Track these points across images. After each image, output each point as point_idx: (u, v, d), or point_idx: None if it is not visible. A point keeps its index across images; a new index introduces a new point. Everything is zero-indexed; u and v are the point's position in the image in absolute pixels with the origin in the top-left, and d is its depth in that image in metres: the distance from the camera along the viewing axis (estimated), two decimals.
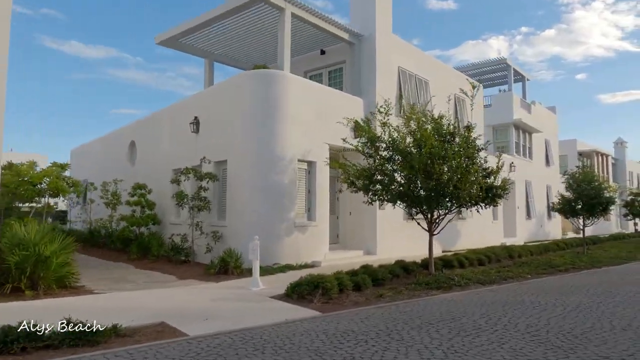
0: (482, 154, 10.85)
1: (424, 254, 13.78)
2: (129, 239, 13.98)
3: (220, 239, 11.61)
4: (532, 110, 27.92)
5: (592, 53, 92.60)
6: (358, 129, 10.02)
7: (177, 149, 14.19)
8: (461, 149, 10.00)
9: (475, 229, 19.94)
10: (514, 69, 27.11)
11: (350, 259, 12.50)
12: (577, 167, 19.22)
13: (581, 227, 19.14)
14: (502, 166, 11.19)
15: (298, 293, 7.64)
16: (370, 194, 10.36)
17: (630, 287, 9.89)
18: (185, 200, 11.89)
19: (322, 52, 15.77)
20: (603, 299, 8.38)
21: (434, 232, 10.86)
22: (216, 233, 11.62)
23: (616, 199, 18.58)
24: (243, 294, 8.21)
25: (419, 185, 9.88)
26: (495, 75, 28.80)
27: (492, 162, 11.50)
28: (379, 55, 14.61)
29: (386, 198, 10.28)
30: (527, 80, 28.94)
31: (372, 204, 10.73)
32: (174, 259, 11.95)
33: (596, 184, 18.53)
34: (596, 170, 35.10)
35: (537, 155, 27.96)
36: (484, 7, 78.50)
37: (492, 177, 10.72)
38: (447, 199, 9.89)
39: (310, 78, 16.14)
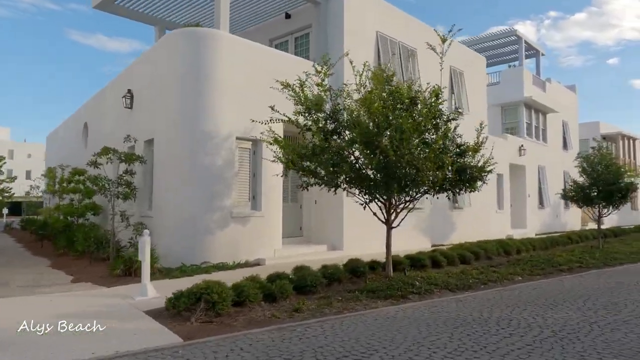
0: (458, 128, 8.66)
1: (407, 249, 11.71)
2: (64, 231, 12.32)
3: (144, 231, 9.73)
4: (547, 89, 25.13)
5: (624, 36, 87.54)
6: (295, 95, 7.93)
7: (115, 128, 12.38)
8: (422, 118, 7.83)
9: (475, 220, 17.63)
10: (526, 43, 24.37)
11: (308, 256, 10.48)
12: (592, 148, 16.67)
13: (598, 218, 16.62)
14: (483, 142, 8.97)
15: (177, 307, 5.70)
16: (307, 176, 8.27)
17: None
18: (103, 185, 10.04)
19: (287, 16, 13.65)
20: (601, 316, 6.19)
21: (393, 224, 8.73)
22: (139, 225, 9.77)
23: (639, 185, 16.05)
24: (118, 305, 6.33)
25: (366, 164, 7.76)
26: (506, 49, 26.09)
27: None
28: (348, 16, 12.41)
29: (324, 181, 8.20)
30: (542, 55, 26.12)
31: (307, 189, 8.63)
32: (96, 256, 10.17)
33: (614, 167, 15.98)
34: (622, 154, 32.03)
35: (553, 138, 25.20)
36: None
37: (469, 156, 8.49)
38: (402, 182, 7.74)
39: (276, 47, 14.05)
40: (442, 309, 6.65)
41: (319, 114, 7.94)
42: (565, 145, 26.61)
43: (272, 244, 10.55)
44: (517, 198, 22.24)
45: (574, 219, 27.87)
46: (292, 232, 12.16)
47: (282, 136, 8.75)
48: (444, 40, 8.68)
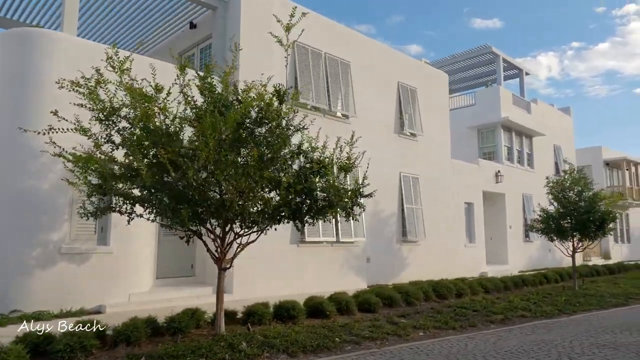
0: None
1: (325, 291, 9.70)
2: None
3: None
4: (533, 110, 22.96)
5: None
6: (89, 96, 6.15)
7: None
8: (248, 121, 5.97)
9: (434, 255, 15.36)
10: (505, 61, 22.44)
11: (178, 302, 8.54)
12: (564, 171, 14.37)
13: (572, 253, 14.15)
14: (356, 158, 7.03)
15: None
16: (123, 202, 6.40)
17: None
18: None
19: (193, 26, 12.20)
20: None
21: (226, 265, 6.72)
22: None
23: (617, 214, 13.62)
24: None
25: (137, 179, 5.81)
26: (488, 69, 24.21)
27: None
28: (246, 22, 10.83)
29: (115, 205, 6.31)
30: (526, 74, 24.09)
31: (129, 223, 6.65)
32: None
33: (590, 193, 13.65)
34: (628, 182, 29.18)
35: (542, 163, 22.81)
36: (531, 24, 72.74)
37: (325, 174, 6.52)
38: (201, 209, 5.80)
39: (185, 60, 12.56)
40: None
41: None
42: (557, 172, 24.10)
43: (129, 286, 8.66)
44: (498, 230, 19.85)
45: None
46: (178, 272, 10.26)
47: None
48: (288, 28, 6.87)
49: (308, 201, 6.26)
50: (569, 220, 13.44)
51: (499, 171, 19.30)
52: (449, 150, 16.98)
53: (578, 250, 13.99)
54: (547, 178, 14.63)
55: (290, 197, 6.02)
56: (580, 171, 14.84)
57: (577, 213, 13.24)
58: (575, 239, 13.88)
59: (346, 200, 6.43)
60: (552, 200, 14.12)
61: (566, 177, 14.08)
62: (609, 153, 29.84)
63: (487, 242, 20.01)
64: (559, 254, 23.73)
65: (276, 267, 10.67)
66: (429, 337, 7.27)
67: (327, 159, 6.55)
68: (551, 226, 13.77)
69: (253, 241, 6.62)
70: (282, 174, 5.98)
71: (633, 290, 13.61)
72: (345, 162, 6.87)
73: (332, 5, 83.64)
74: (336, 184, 6.50)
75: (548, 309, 9.96)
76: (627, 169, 29.43)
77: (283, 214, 6.18)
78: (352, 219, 7.10)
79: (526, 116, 22.31)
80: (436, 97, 16.71)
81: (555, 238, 13.94)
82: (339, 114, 12.94)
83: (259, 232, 6.61)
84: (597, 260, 26.20)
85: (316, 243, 11.47)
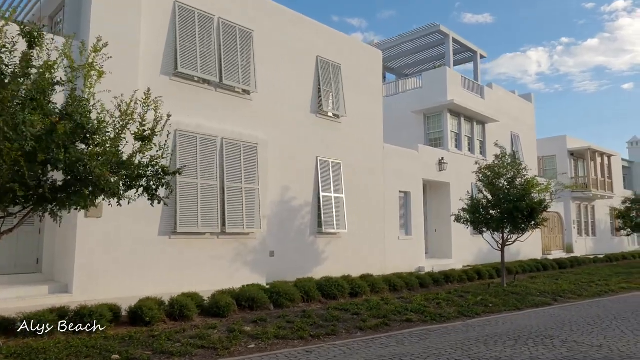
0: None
1: (209, 290, 8.28)
2: None
3: None
4: (487, 95, 21.56)
5: (639, 61, 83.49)
6: None
7: None
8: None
9: (359, 249, 13.93)
10: (457, 42, 20.98)
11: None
12: (495, 155, 12.97)
13: (502, 246, 12.79)
14: (155, 127, 5.51)
15: None
16: None
17: None
18: None
19: None
20: None
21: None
22: None
23: (549, 201, 12.24)
24: None
25: None
26: (442, 51, 22.75)
27: None
28: None
29: None
30: (482, 57, 22.67)
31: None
32: None
33: (522, 180, 12.27)
34: (593, 173, 28.02)
35: (496, 152, 21.38)
36: (522, 19, 71.61)
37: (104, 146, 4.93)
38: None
39: (53, 28, 10.94)
40: None
41: None
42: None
43: None
44: (443, 222, 18.47)
45: (532, 247, 23.82)
46: (20, 267, 8.70)
47: None
48: None
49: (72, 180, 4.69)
50: (499, 211, 12.06)
51: (442, 158, 17.88)
52: (381, 135, 15.50)
53: (508, 243, 12.62)
54: (476, 163, 13.20)
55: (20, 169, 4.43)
56: (513, 155, 13.44)
57: (506, 202, 11.87)
58: (506, 231, 12.52)
59: (107, 177, 4.82)
60: (482, 188, 12.75)
61: (497, 162, 12.69)
62: (574, 142, 28.63)
63: (431, 235, 18.68)
64: (517, 247, 22.57)
65: (140, 262, 9.13)
66: (259, 351, 5.81)
67: (99, 121, 4.97)
68: (479, 217, 12.40)
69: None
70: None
71: (568, 287, 12.33)
72: (141, 130, 5.33)
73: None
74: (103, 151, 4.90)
75: (447, 312, 8.57)
76: (592, 159, 28.23)
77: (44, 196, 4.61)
78: (159, 203, 5.58)
79: (478, 101, 20.92)
80: (367, 76, 15.20)
81: (484, 230, 12.57)
82: (237, 89, 11.39)
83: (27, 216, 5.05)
84: (559, 254, 25.05)
85: (194, 234, 9.94)
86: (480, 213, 12.35)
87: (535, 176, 12.94)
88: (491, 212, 12.20)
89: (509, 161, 12.67)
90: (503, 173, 12.40)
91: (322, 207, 12.96)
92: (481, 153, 20.87)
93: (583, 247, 28.33)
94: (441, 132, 19.28)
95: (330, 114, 13.75)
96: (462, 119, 19.76)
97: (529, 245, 23.67)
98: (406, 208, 16.38)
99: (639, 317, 8.34)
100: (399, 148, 16.42)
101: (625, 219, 21.64)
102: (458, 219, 12.74)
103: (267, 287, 9.30)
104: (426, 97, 19.61)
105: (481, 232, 12.69)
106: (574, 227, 27.85)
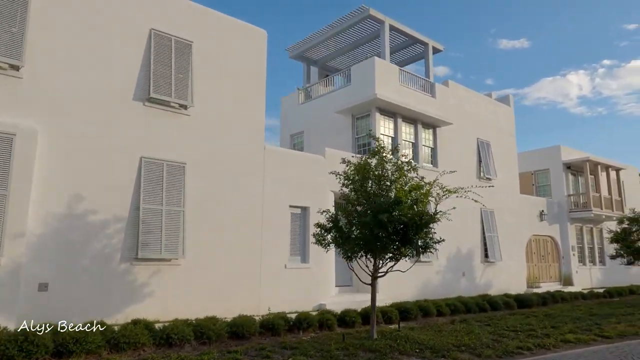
0: None
1: None
2: None
3: None
4: (440, 93, 17.79)
5: None
6: None
7: None
8: None
9: (215, 282, 10.50)
10: (399, 30, 17.55)
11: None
12: (369, 150, 9.28)
13: (372, 277, 9.02)
14: None
15: None
16: None
17: None
18: None
19: None
20: None
21: None
22: None
23: (439, 215, 8.43)
24: None
25: None
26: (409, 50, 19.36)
27: None
28: None
29: None
30: (438, 51, 19.04)
31: None
32: None
33: (399, 186, 8.59)
34: (590, 190, 23.33)
35: (455, 161, 17.45)
36: (559, 43, 67.69)
37: None
38: None
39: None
40: None
41: None
42: (481, 173, 18.77)
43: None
44: None
45: (514, 277, 19.47)
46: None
47: None
48: None
49: None
50: (358, 227, 8.39)
51: None
52: (262, 133, 12.18)
53: (379, 275, 8.84)
54: (343, 161, 9.48)
55: None
56: (394, 149, 9.70)
57: (371, 213, 8.20)
58: (387, 256, 8.79)
59: None
60: (352, 196, 9.10)
61: (370, 159, 9.06)
62: (570, 153, 24.16)
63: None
64: (487, 278, 18.30)
65: None
66: None
67: None
68: (341, 235, 8.73)
69: None
70: None
71: (471, 342, 8.45)
72: None
73: None
74: None
75: None
76: (591, 174, 23.63)
77: None
78: None
79: (427, 100, 17.25)
80: (237, 59, 12.02)
81: (351, 255, 8.84)
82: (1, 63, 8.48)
83: None
84: (553, 287, 20.47)
85: None
86: (342, 231, 8.69)
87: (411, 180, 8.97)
88: (352, 229, 8.54)
89: (390, 158, 9.02)
90: (377, 174, 8.77)
91: (141, 223, 9.67)
92: (432, 162, 17.08)
93: (587, 278, 23.49)
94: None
95: (171, 104, 10.62)
96: (400, 120, 16.13)
97: (510, 275, 19.43)
98: (303, 228, 12.79)
99: None
100: (293, 151, 13.08)
101: (622, 243, 17.02)
102: (318, 239, 9.06)
103: None
104: (355, 94, 16.18)
105: (349, 258, 8.93)
106: (573, 254, 23.08)
